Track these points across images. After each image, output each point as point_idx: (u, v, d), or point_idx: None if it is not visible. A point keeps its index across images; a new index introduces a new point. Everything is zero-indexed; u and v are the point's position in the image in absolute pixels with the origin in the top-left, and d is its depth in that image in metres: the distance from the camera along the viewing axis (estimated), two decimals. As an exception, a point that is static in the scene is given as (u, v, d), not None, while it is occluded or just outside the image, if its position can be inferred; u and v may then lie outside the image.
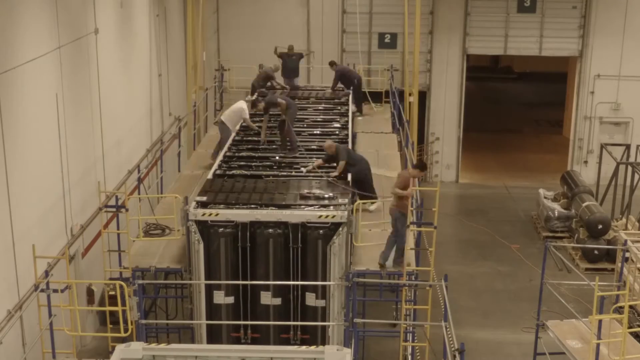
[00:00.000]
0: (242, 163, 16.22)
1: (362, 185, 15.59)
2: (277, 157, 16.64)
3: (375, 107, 24.31)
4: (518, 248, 22.38)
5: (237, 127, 18.65)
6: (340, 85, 23.23)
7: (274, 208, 13.33)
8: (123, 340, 11.96)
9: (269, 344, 12.98)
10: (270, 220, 13.11)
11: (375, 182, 16.37)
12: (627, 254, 17.06)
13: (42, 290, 12.64)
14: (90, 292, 16.62)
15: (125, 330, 12.62)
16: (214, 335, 13.44)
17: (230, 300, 13.37)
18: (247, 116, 18.65)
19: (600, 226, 21.30)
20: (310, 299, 13.31)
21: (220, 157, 16.57)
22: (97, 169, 17.68)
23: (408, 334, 14.49)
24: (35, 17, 14.26)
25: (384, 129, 22.15)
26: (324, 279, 13.11)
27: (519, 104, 39.64)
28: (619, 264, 17.44)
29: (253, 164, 16.17)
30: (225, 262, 13.19)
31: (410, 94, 23.96)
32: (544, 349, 14.76)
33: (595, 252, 21.02)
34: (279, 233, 13.12)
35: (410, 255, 14.42)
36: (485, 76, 42.17)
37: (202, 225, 13.09)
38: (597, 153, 26.65)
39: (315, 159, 16.18)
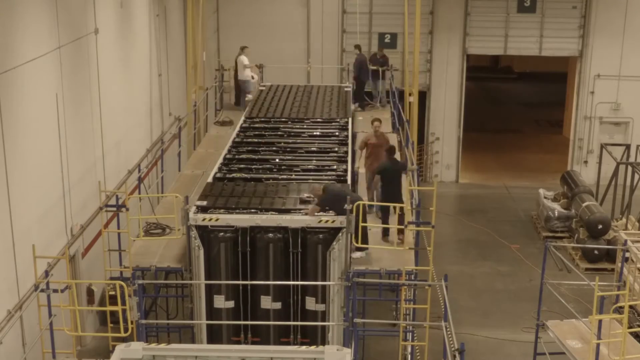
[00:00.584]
0: (242, 166, 16.18)
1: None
2: (277, 160, 16.59)
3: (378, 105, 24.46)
4: (518, 248, 22.38)
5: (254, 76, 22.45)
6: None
7: (274, 213, 13.33)
8: (123, 340, 11.97)
9: (269, 348, 12.98)
10: (270, 225, 13.12)
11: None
12: (627, 254, 17.06)
13: (42, 290, 12.65)
14: (90, 292, 16.62)
15: (125, 330, 12.63)
16: (214, 340, 13.44)
17: (231, 304, 13.38)
18: (247, 63, 21.37)
19: (600, 226, 21.30)
20: (310, 303, 13.33)
21: (220, 159, 16.49)
22: (97, 169, 17.68)
23: (408, 334, 14.49)
24: (35, 17, 14.26)
25: (384, 129, 22.13)
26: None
27: (519, 104, 39.63)
28: (619, 264, 17.44)
29: (253, 166, 16.13)
30: (225, 266, 13.21)
31: (410, 94, 23.99)
32: (544, 349, 14.76)
33: (595, 252, 21.01)
34: (279, 238, 13.14)
35: (410, 255, 14.44)
36: (485, 76, 42.17)
37: (203, 230, 13.12)
38: (597, 153, 26.64)
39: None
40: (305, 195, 14.03)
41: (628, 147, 23.79)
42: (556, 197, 24.08)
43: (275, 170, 16.03)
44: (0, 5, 12.81)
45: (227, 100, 25.60)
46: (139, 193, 17.89)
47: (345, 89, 23.14)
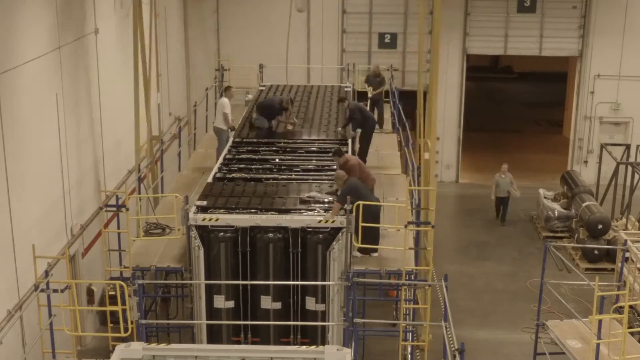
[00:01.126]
0: (242, 166, 16.17)
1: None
2: (277, 160, 16.58)
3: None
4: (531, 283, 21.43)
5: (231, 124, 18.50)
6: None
7: (274, 213, 13.32)
8: (123, 340, 11.97)
9: (269, 348, 12.99)
10: (270, 225, 13.12)
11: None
12: (627, 254, 17.07)
13: (42, 290, 12.64)
14: (90, 292, 16.63)
15: (125, 330, 12.63)
16: (214, 340, 13.44)
17: (231, 304, 13.38)
18: (228, 111, 18.37)
19: (600, 226, 21.30)
20: (310, 303, 13.33)
21: (220, 160, 16.49)
22: (97, 169, 17.68)
23: (408, 334, 14.49)
24: (35, 17, 14.27)
25: (384, 129, 22.16)
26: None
27: (519, 104, 39.62)
28: (619, 264, 17.45)
29: (253, 166, 16.12)
30: (225, 266, 13.21)
31: (426, 148, 19.57)
32: (544, 349, 14.76)
33: (595, 252, 21.01)
34: (279, 238, 13.14)
35: (410, 254, 14.43)
36: (485, 76, 42.16)
37: (203, 230, 13.11)
38: (597, 153, 26.65)
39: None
40: (306, 195, 14.03)
41: (628, 147, 23.79)
42: (556, 197, 24.08)
43: (275, 170, 16.02)
44: (0, 6, 12.82)
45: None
46: (139, 193, 17.89)
47: (345, 89, 23.13)
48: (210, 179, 15.26)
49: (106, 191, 17.36)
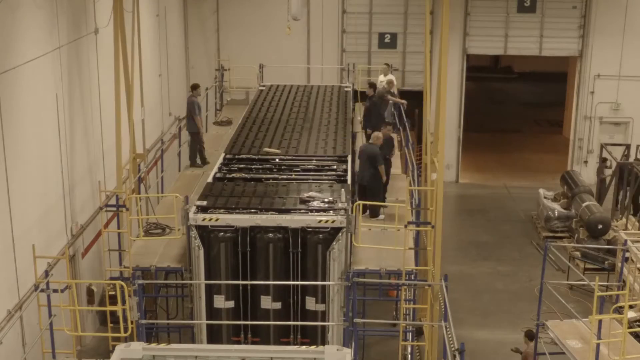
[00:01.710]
0: (242, 166, 16.16)
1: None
2: (277, 160, 16.55)
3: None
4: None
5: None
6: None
7: (274, 213, 13.31)
8: (123, 340, 11.97)
9: (269, 349, 12.98)
10: (270, 225, 13.11)
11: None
12: (627, 254, 17.07)
13: (42, 290, 12.64)
14: (90, 292, 16.62)
15: (125, 330, 12.63)
16: (214, 340, 13.43)
17: (231, 304, 13.37)
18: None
19: (600, 226, 21.29)
20: (310, 303, 13.32)
21: (220, 160, 16.45)
22: (97, 169, 17.68)
23: (408, 334, 14.50)
24: (35, 17, 14.27)
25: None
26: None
27: (519, 104, 39.62)
28: (619, 264, 17.45)
29: (253, 166, 16.11)
30: (225, 266, 13.20)
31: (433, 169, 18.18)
32: (544, 349, 14.76)
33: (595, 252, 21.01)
34: (279, 238, 13.12)
35: (410, 254, 14.44)
36: (485, 76, 42.15)
37: (203, 230, 13.10)
38: (597, 153, 26.67)
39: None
40: (306, 195, 14.03)
41: (628, 147, 23.78)
42: (556, 197, 24.08)
43: (275, 170, 16.01)
44: (0, 6, 12.82)
45: (226, 100, 25.62)
46: (139, 193, 17.89)
47: (345, 89, 23.12)
48: (210, 179, 15.26)
49: (106, 191, 17.36)
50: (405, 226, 14.01)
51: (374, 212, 16.06)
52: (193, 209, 13.32)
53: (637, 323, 15.57)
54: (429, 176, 17.49)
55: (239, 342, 13.35)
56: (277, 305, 13.33)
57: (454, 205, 26.38)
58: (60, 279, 13.09)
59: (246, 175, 15.53)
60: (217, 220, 13.10)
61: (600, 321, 12.61)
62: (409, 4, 27.45)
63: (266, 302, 13.31)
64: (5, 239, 13.01)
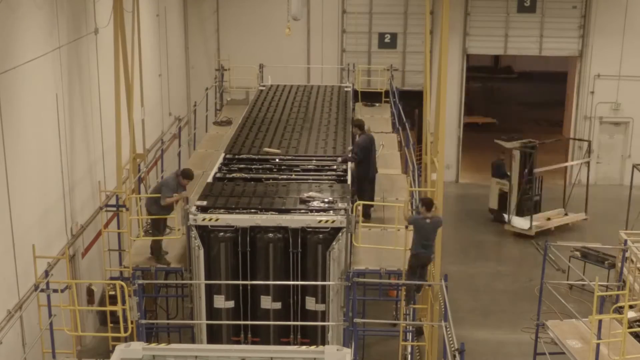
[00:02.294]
0: (242, 166, 16.16)
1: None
2: (277, 160, 16.55)
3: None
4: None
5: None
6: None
7: (274, 213, 13.32)
8: (123, 340, 11.98)
9: (269, 349, 12.98)
10: (270, 225, 13.11)
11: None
12: (627, 254, 17.07)
13: (42, 290, 12.65)
14: (90, 292, 16.63)
15: (125, 330, 12.63)
16: (214, 340, 13.44)
17: (231, 304, 13.37)
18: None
19: (600, 226, 21.30)
20: (310, 303, 13.33)
21: (220, 160, 16.44)
22: (97, 169, 17.68)
23: (408, 334, 14.50)
24: (35, 17, 14.27)
25: (384, 129, 22.15)
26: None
27: (519, 104, 39.60)
28: (619, 264, 17.45)
29: (253, 166, 16.11)
30: (225, 266, 13.20)
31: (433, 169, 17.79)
32: (544, 349, 14.76)
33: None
34: (279, 238, 13.13)
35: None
36: (485, 76, 42.12)
37: (203, 230, 13.10)
38: (597, 153, 26.67)
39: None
40: (306, 195, 14.03)
41: None
42: (556, 197, 24.09)
43: (275, 170, 16.01)
44: (0, 6, 12.82)
45: (227, 100, 25.61)
46: (139, 193, 17.88)
47: (345, 89, 23.13)
48: (210, 179, 15.26)
49: (106, 191, 17.36)
50: (406, 226, 14.01)
51: (365, 213, 15.77)
52: (193, 209, 13.32)
53: (637, 323, 15.57)
54: (429, 176, 17.66)
55: (239, 342, 13.36)
56: (277, 305, 13.33)
57: (454, 205, 26.37)
58: (60, 279, 13.10)
59: (246, 175, 15.53)
60: (217, 220, 13.10)
61: (600, 321, 12.62)
62: (409, 4, 27.45)
63: (266, 302, 13.31)
64: (5, 239, 13.01)
